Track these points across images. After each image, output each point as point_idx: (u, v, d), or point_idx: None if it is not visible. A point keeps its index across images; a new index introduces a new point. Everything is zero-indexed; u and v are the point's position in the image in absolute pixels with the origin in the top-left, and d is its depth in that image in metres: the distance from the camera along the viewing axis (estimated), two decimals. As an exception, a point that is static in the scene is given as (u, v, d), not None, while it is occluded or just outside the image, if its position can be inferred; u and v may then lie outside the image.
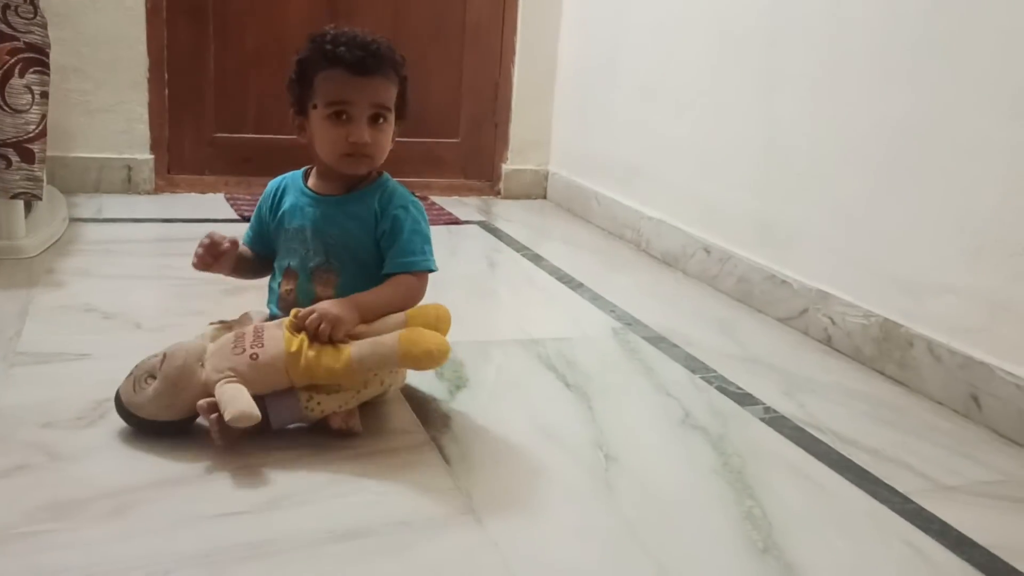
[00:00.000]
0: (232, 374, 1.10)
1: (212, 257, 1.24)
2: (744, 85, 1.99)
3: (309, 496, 1.02)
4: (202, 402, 1.09)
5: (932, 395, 1.47)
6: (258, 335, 1.14)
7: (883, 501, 1.12)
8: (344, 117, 1.19)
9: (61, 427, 1.13)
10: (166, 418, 1.11)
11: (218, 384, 1.09)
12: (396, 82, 1.23)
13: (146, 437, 1.11)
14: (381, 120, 1.21)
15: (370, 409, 1.22)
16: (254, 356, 1.11)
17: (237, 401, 1.06)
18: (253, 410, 1.06)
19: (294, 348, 1.11)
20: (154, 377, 1.10)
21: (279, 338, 1.13)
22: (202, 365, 1.11)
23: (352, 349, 1.13)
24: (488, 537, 0.97)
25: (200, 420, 1.11)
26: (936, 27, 1.49)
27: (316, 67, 1.20)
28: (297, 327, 1.14)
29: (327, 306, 1.15)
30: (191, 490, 1.01)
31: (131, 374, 1.12)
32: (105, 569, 0.86)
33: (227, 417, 1.05)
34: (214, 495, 1.01)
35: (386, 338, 1.14)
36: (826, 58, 1.74)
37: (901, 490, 1.15)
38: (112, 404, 1.13)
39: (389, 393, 1.27)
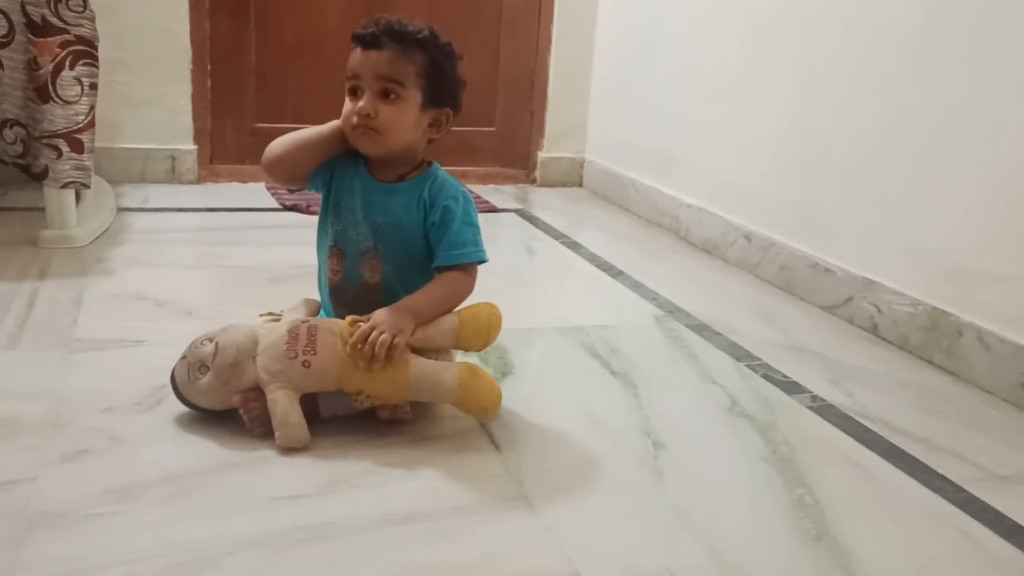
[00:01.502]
0: (283, 379, 1.11)
1: None
2: (783, 69, 1.98)
3: (363, 481, 1.04)
4: (236, 396, 1.11)
5: (982, 384, 1.46)
6: (311, 339, 1.13)
7: (935, 490, 1.12)
8: (358, 92, 1.20)
9: (121, 412, 1.16)
10: (219, 408, 1.13)
11: (269, 390, 1.10)
12: (414, 60, 1.20)
13: (203, 422, 1.13)
14: (392, 96, 1.19)
15: (419, 396, 1.24)
16: (306, 364, 1.11)
17: (288, 426, 1.08)
18: (303, 434, 1.09)
19: (350, 362, 1.11)
20: (207, 367, 1.12)
21: (333, 346, 1.12)
22: (253, 359, 1.12)
23: (411, 375, 1.13)
24: (540, 522, 0.98)
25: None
26: (982, 7, 1.47)
27: (352, 40, 1.23)
28: (356, 341, 1.12)
29: (384, 320, 1.14)
30: (248, 474, 1.04)
31: (184, 357, 1.15)
32: (171, 550, 0.88)
33: (278, 442, 1.08)
34: (271, 479, 1.03)
35: (445, 376, 1.14)
36: (868, 40, 1.72)
37: (953, 479, 1.15)
38: (169, 389, 1.16)
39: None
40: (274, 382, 1.11)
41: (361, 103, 1.19)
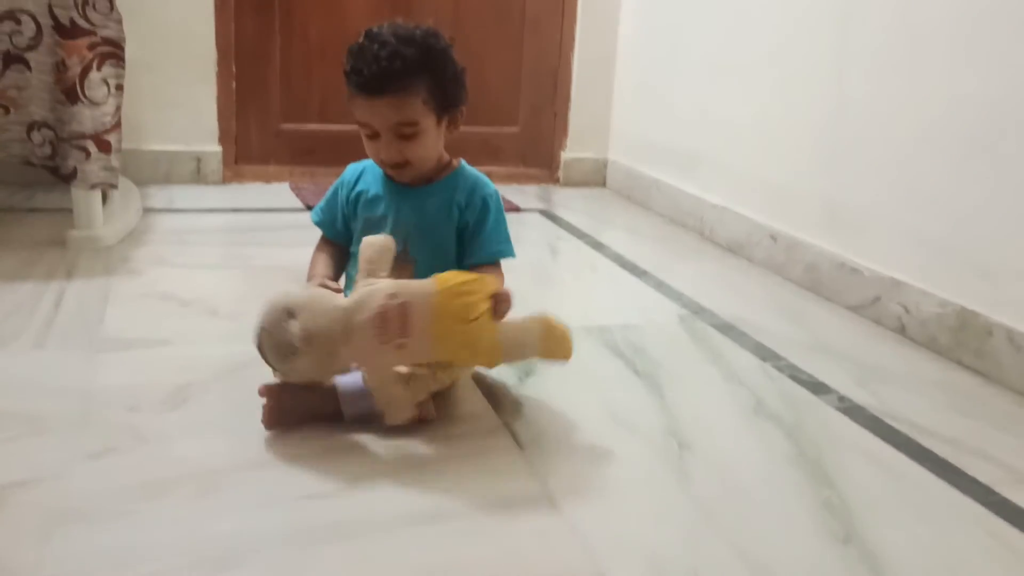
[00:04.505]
0: (376, 365, 1.12)
1: None
2: (812, 66, 1.95)
3: (387, 479, 1.04)
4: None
5: (1012, 385, 1.43)
6: (403, 318, 1.08)
7: (965, 492, 1.10)
8: (376, 136, 1.20)
9: (147, 411, 1.16)
10: (305, 382, 1.14)
11: (363, 373, 1.13)
12: (418, 91, 1.18)
13: (227, 421, 1.14)
14: (409, 134, 1.19)
15: (442, 395, 1.23)
16: (401, 346, 1.09)
17: (392, 406, 1.12)
18: (408, 408, 1.13)
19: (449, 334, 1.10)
20: (295, 355, 1.08)
21: (428, 322, 1.09)
22: (344, 343, 1.10)
23: (498, 339, 1.15)
24: (565, 521, 0.98)
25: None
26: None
27: (346, 79, 1.21)
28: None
29: (499, 282, 1.20)
30: (272, 472, 1.04)
31: (264, 328, 1.09)
32: (197, 547, 0.88)
33: (387, 420, 1.12)
34: (295, 478, 1.03)
35: (526, 338, 1.18)
36: (901, 35, 1.70)
37: (983, 481, 1.13)
38: (194, 389, 1.17)
39: (459, 381, 1.28)
40: (365, 366, 1.12)
41: (383, 150, 1.20)
